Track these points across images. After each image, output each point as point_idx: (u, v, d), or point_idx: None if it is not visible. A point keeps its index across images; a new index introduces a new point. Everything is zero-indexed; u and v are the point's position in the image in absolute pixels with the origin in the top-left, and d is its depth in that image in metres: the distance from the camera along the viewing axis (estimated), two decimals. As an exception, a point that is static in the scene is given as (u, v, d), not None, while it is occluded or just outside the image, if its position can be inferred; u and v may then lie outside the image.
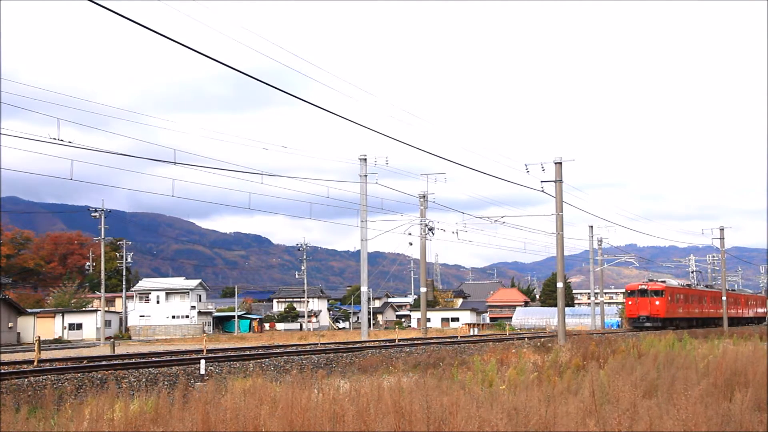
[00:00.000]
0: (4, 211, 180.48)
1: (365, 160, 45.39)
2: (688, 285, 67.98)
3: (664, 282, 62.19)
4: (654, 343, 25.44)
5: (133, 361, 23.86)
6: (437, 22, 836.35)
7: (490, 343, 33.89)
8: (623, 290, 79.41)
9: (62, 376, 17.81)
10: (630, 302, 60.76)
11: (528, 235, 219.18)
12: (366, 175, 45.24)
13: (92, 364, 22.34)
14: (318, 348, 31.28)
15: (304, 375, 14.07)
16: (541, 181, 36.12)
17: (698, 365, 15.86)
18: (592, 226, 70.69)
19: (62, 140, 23.19)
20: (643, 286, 60.01)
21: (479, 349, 28.92)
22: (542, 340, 34.96)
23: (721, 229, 70.17)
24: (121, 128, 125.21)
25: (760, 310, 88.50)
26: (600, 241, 71.82)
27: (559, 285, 36.34)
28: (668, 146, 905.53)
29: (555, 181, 36.05)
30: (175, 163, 27.33)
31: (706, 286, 75.61)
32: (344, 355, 26.30)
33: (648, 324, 57.23)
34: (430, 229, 48.37)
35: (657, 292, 58.92)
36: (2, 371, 19.07)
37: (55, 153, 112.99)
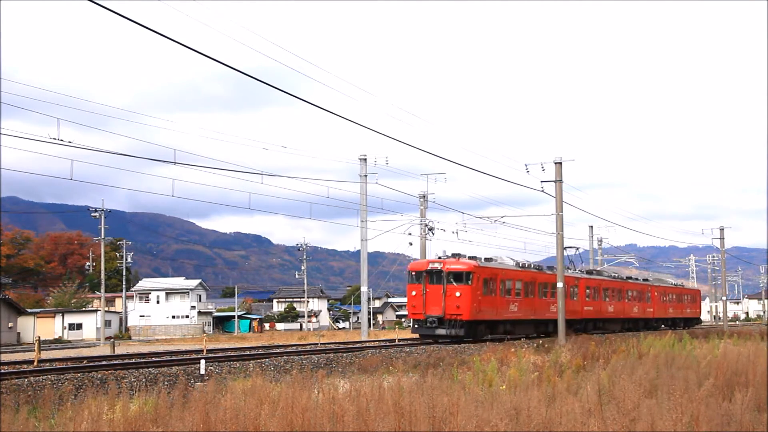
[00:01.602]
0: (4, 211, 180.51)
1: (365, 160, 45.42)
2: (537, 267, 42.06)
3: (474, 258, 36.06)
4: (654, 343, 25.43)
5: (133, 361, 23.88)
6: (437, 22, 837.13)
7: (490, 343, 33.88)
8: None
9: (62, 376, 17.80)
10: (414, 293, 34.90)
11: (528, 235, 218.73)
12: (366, 175, 45.26)
13: (92, 364, 22.36)
14: (318, 348, 31.27)
15: (304, 375, 14.08)
16: (541, 181, 36.17)
17: (699, 365, 15.86)
18: (592, 226, 70.68)
19: (62, 140, 23.24)
20: (435, 265, 34.55)
21: (479, 349, 28.91)
22: (542, 340, 34.95)
23: (721, 229, 70.29)
24: (120, 128, 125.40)
25: (689, 309, 66.14)
26: (600, 241, 71.81)
27: (560, 285, 36.33)
28: (668, 146, 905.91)
29: (555, 181, 36.07)
30: (175, 163, 27.43)
31: (589, 272, 48.96)
32: (344, 355, 26.28)
33: (441, 331, 33.56)
34: (430, 229, 48.34)
35: (458, 276, 34.02)
36: (2, 371, 19.08)
37: (55, 153, 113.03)
